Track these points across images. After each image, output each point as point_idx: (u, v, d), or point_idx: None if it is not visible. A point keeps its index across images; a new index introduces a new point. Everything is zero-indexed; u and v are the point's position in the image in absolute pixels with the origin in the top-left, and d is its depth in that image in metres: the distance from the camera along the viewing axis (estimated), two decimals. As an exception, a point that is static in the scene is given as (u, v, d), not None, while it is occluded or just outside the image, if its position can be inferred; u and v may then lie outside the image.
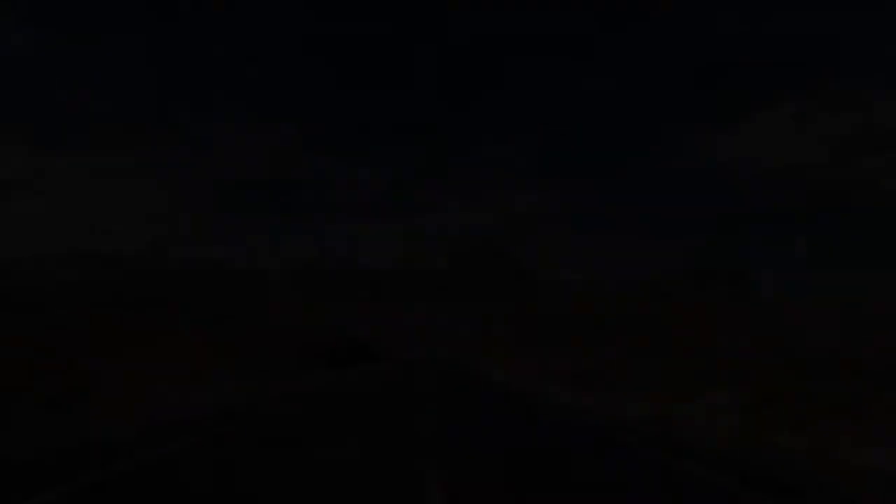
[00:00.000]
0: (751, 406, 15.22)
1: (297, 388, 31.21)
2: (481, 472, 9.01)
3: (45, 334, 33.75)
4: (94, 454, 10.53)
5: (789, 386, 17.24)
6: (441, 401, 22.22)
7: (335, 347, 59.23)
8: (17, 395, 18.48)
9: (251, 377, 36.81)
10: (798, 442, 12.16)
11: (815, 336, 47.96)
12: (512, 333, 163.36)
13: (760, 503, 7.47)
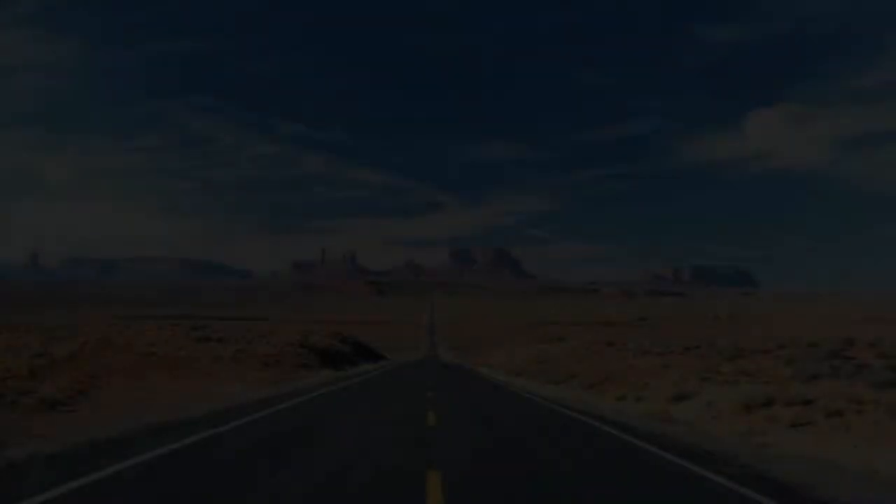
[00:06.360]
0: (750, 404, 15.21)
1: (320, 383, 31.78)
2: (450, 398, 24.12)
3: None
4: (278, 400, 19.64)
5: (788, 385, 17.24)
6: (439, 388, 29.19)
7: (335, 347, 59.18)
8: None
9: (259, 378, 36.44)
10: (795, 440, 12.12)
11: (814, 334, 47.98)
12: (512, 332, 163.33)
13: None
